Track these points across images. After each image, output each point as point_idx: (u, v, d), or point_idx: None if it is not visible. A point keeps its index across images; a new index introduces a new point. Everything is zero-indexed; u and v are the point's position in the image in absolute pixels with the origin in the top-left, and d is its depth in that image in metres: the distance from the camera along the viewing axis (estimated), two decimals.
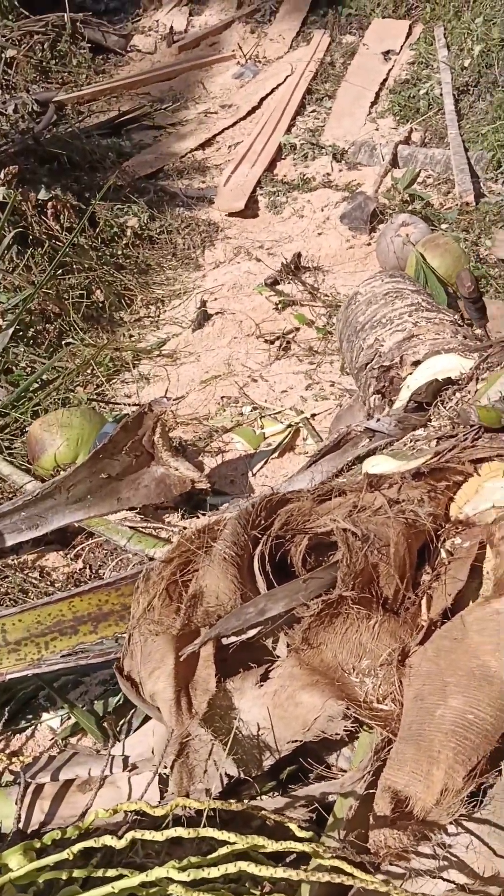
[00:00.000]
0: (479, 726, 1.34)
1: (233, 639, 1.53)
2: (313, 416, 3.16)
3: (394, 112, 5.59)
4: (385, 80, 5.93)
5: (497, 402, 1.70)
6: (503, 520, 1.65)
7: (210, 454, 3.00)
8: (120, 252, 4.27)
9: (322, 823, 1.43)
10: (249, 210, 4.84)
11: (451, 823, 1.33)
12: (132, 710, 1.91)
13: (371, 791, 1.38)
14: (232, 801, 1.34)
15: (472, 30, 5.78)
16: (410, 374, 2.12)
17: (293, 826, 1.30)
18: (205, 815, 1.36)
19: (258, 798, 1.54)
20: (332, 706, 1.44)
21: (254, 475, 2.89)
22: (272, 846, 1.15)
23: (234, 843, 1.14)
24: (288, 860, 1.44)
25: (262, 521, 1.63)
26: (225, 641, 1.55)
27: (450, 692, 1.40)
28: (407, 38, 6.32)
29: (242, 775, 1.48)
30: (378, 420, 1.92)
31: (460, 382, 1.90)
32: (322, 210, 4.69)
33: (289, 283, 4.04)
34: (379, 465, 1.76)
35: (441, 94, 5.47)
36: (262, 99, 5.99)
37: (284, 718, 1.50)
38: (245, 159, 5.20)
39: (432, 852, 1.33)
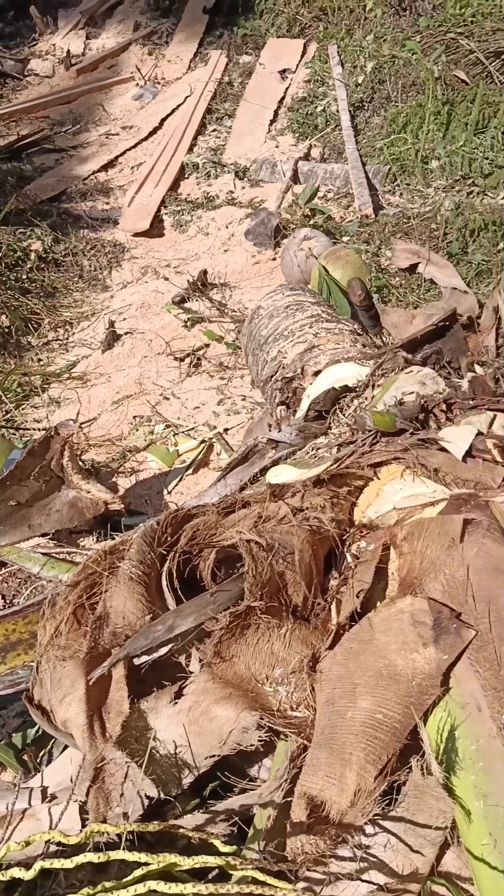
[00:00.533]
0: (389, 725, 1.36)
1: (144, 658, 1.52)
2: (226, 430, 3.17)
3: (293, 129, 5.69)
4: (283, 98, 6.04)
5: (392, 407, 1.75)
6: (404, 521, 1.69)
7: (124, 475, 2.98)
8: (25, 276, 4.22)
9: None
10: (155, 230, 4.85)
11: (367, 824, 1.35)
12: (52, 741, 1.87)
13: (289, 799, 1.39)
14: (149, 822, 1.33)
15: (363, 47, 5.95)
16: (312, 384, 2.16)
17: (216, 842, 1.30)
18: (123, 839, 1.34)
19: (181, 817, 1.53)
20: (246, 718, 1.44)
21: (169, 493, 2.88)
22: (187, 863, 1.15)
23: (147, 863, 1.12)
24: (212, 876, 1.44)
25: (169, 538, 1.63)
26: (137, 662, 1.54)
27: (359, 694, 1.42)
28: (302, 56, 6.46)
29: (163, 795, 1.47)
30: (280, 431, 1.94)
31: (358, 389, 1.94)
32: (227, 227, 4.74)
33: (196, 300, 4.06)
34: (281, 474, 1.79)
35: (338, 111, 5.60)
36: (163, 119, 6.02)
37: (200, 734, 1.50)
38: (148, 179, 5.22)
39: (351, 854, 1.34)
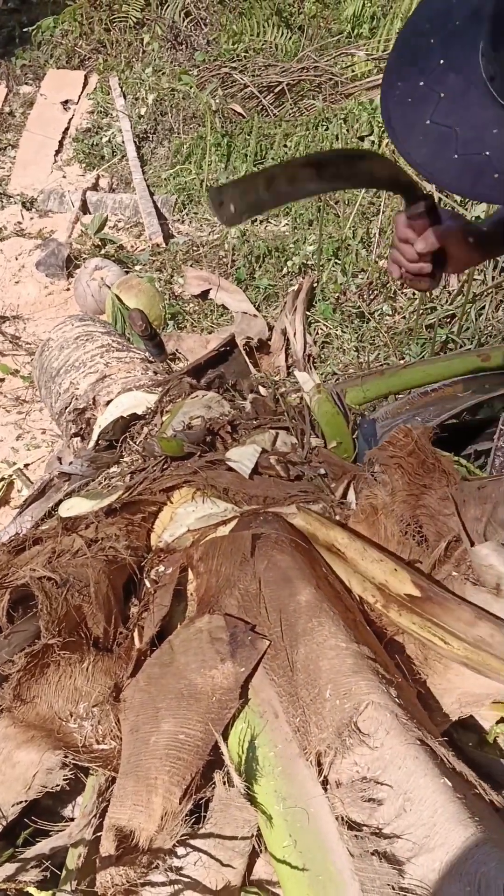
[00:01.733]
0: (191, 744, 1.39)
1: None
2: (26, 465, 3.10)
3: (79, 160, 5.68)
4: (67, 128, 6.02)
5: (179, 432, 1.79)
6: (200, 542, 1.74)
7: None
8: None
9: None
10: None
11: (178, 845, 1.36)
12: None
13: (100, 834, 1.37)
14: None
15: (143, 80, 6.05)
16: (103, 414, 2.16)
17: (32, 889, 1.27)
18: None
19: None
20: (50, 758, 1.42)
21: None
22: None
23: None
24: None
25: None
26: None
27: (161, 717, 1.43)
28: (84, 87, 6.47)
29: None
30: (70, 463, 1.93)
31: (147, 417, 1.97)
32: (17, 259, 4.64)
33: None
34: (73, 507, 1.78)
35: (123, 142, 5.65)
36: None
37: (4, 782, 1.45)
38: None
39: (165, 878, 1.35)
